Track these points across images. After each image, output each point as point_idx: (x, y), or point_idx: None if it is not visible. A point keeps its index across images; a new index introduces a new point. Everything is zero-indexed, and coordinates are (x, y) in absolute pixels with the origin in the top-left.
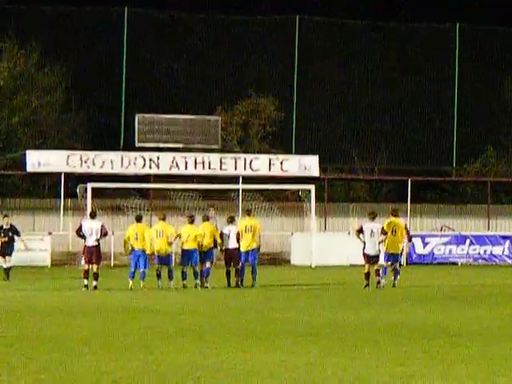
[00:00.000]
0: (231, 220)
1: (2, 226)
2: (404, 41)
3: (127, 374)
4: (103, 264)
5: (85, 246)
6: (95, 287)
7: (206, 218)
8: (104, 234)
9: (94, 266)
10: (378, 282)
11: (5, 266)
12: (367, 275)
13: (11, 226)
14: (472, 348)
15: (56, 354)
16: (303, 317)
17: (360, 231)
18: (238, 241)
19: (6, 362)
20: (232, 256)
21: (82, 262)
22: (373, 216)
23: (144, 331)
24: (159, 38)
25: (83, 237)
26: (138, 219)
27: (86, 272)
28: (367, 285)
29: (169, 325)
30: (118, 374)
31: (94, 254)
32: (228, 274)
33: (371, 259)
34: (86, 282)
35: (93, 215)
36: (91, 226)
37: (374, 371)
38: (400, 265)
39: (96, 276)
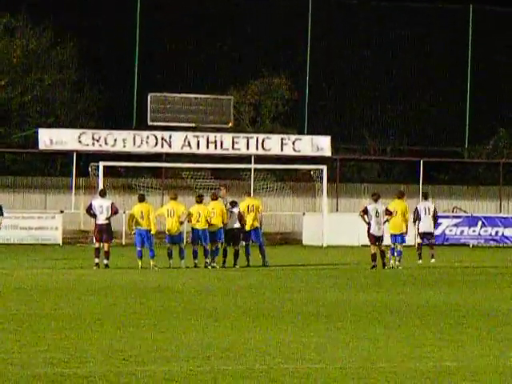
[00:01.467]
0: (234, 204)
1: None
2: (418, 21)
3: (137, 353)
4: (115, 242)
5: (95, 224)
6: (106, 265)
7: (215, 197)
8: (114, 212)
9: (105, 245)
10: (384, 264)
11: None
12: (374, 256)
13: None
14: (482, 329)
15: (66, 332)
16: (314, 297)
17: (365, 212)
18: (240, 221)
19: (17, 340)
20: (233, 236)
21: (94, 240)
22: (376, 197)
23: (155, 310)
24: (172, 16)
25: (94, 215)
26: (141, 199)
27: (97, 250)
28: (374, 266)
29: (179, 304)
30: (128, 352)
31: (105, 232)
32: (225, 253)
33: (377, 240)
34: (97, 260)
35: (103, 193)
36: (101, 204)
37: (384, 352)
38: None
39: (107, 254)
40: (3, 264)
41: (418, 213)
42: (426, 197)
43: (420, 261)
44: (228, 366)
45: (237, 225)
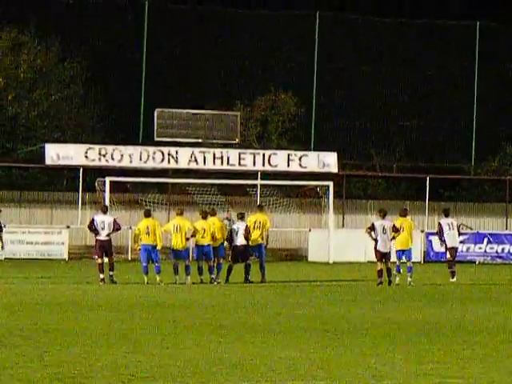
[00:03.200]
0: (241, 216)
1: None
2: (424, 38)
3: (144, 369)
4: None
5: (97, 240)
6: (111, 277)
7: (214, 213)
8: (116, 228)
9: (110, 258)
10: (390, 282)
11: None
12: (380, 272)
13: None
14: (488, 346)
15: (72, 348)
16: (320, 313)
17: (371, 229)
18: (246, 238)
19: (23, 355)
20: (240, 253)
21: (96, 256)
22: (383, 213)
23: (161, 326)
24: (179, 32)
25: (95, 231)
26: (147, 214)
27: (101, 265)
28: (381, 282)
29: (185, 320)
30: (134, 368)
31: (107, 248)
32: (229, 270)
33: (383, 256)
34: (101, 275)
35: (105, 210)
36: (103, 220)
37: (390, 368)
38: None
39: (112, 266)
40: (9, 278)
41: (441, 228)
42: (447, 213)
43: (453, 279)
44: (234, 382)
45: (241, 241)
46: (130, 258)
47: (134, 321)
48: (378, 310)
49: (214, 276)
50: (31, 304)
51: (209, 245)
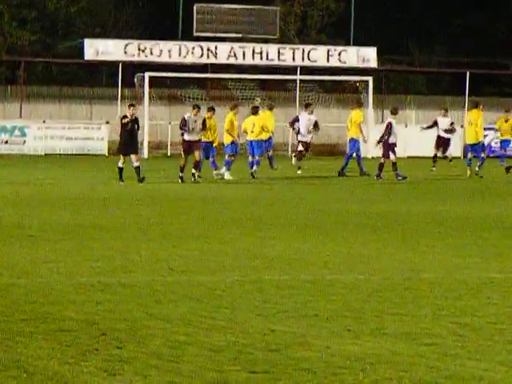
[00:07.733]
0: (307, 105)
1: (125, 116)
2: None
3: (184, 262)
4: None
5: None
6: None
7: (271, 107)
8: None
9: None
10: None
11: (135, 165)
12: (435, 157)
13: (136, 117)
14: None
15: (112, 242)
16: (360, 208)
17: (435, 124)
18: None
19: (63, 249)
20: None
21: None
22: (445, 111)
23: (201, 220)
24: None
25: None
26: (255, 112)
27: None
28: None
29: (226, 214)
30: (174, 262)
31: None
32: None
33: (440, 145)
34: (181, 174)
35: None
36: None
37: (430, 262)
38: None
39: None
40: (50, 174)
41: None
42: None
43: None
44: (273, 275)
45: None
46: (169, 154)
47: (174, 216)
48: (418, 205)
49: (254, 169)
50: (71, 199)
51: (258, 140)
